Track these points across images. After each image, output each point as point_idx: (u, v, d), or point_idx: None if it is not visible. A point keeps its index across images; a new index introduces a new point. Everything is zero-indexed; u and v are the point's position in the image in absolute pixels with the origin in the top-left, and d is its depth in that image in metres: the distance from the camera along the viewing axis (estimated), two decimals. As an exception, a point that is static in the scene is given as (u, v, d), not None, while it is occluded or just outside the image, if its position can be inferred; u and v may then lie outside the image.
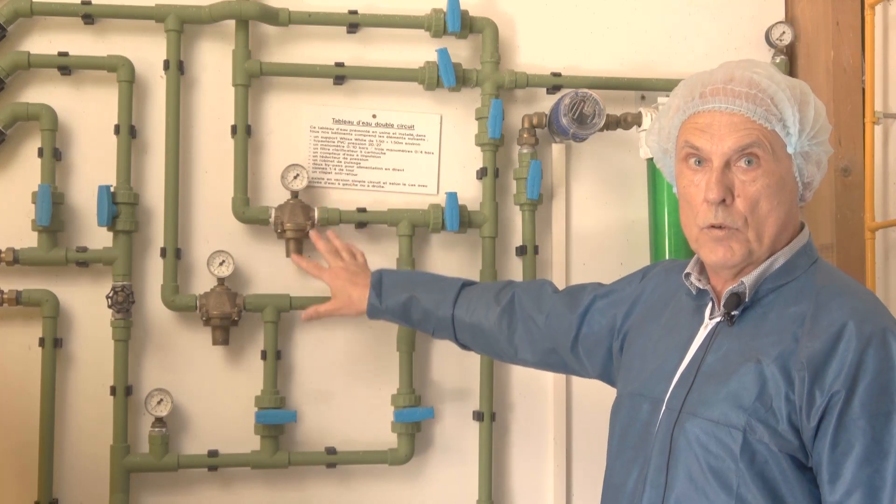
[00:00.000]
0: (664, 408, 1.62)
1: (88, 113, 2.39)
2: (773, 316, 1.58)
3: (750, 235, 1.58)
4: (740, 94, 1.58)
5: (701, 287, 1.67)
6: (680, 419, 1.58)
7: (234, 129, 2.40)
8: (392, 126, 2.50)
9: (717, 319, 1.63)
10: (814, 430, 1.46)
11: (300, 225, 2.36)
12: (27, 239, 2.32)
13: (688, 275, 1.69)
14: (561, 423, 2.52)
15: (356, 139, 2.49)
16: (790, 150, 1.60)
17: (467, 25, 2.48)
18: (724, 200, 1.56)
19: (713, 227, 1.58)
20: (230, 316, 2.33)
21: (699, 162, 1.60)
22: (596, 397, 2.46)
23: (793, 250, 1.62)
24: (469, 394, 2.48)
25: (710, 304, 1.67)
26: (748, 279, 1.59)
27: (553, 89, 2.54)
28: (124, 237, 2.34)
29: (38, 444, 2.29)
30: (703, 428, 1.54)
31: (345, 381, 2.45)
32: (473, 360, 2.44)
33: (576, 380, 2.52)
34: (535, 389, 2.53)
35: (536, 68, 2.54)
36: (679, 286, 1.73)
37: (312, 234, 2.30)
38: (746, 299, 1.59)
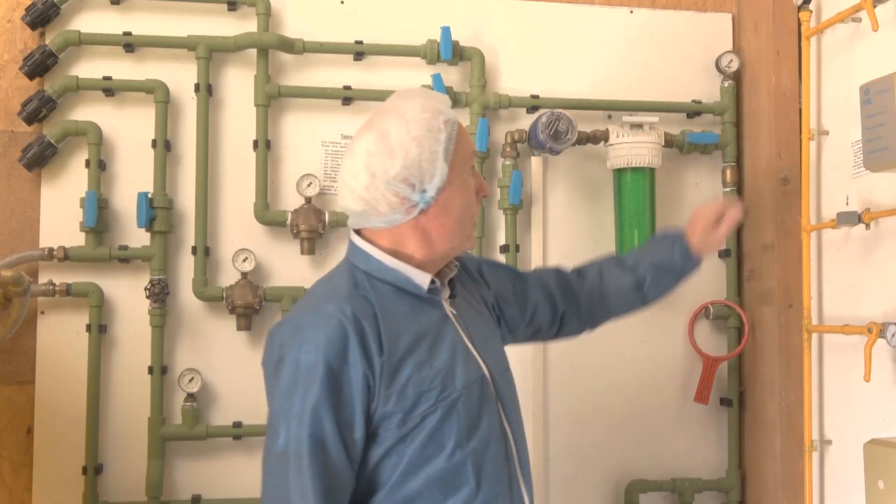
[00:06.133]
0: (488, 375, 1.65)
1: (129, 129, 2.43)
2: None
3: None
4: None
5: (439, 286, 1.65)
6: (494, 381, 1.66)
7: (255, 144, 2.44)
8: (393, 141, 2.51)
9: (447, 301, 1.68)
10: None
11: (313, 227, 2.40)
12: (76, 238, 2.36)
13: (433, 282, 1.63)
14: (539, 394, 2.53)
15: (361, 152, 2.50)
16: None
17: (458, 54, 2.52)
18: None
19: None
20: (252, 305, 2.37)
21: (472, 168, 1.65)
22: (568, 371, 2.52)
23: None
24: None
25: (438, 295, 1.65)
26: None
27: (532, 109, 2.57)
28: (160, 237, 2.38)
29: (85, 417, 2.33)
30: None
31: (352, 362, 2.46)
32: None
33: (552, 358, 2.56)
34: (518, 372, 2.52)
35: (518, 91, 2.58)
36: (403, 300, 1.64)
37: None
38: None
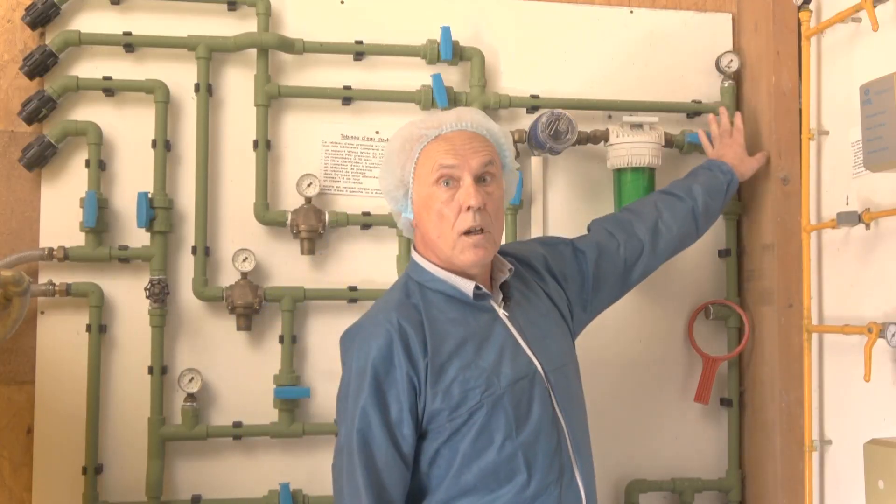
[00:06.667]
0: (541, 370, 1.79)
1: (129, 129, 2.43)
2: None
3: (496, 238, 1.78)
4: (473, 122, 1.78)
5: (486, 292, 1.80)
6: (547, 377, 1.79)
7: (255, 144, 2.44)
8: (393, 141, 2.52)
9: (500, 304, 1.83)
10: None
11: (313, 227, 2.41)
12: (76, 238, 2.36)
13: (478, 289, 1.78)
14: None
15: (361, 152, 2.52)
16: (505, 168, 1.85)
17: (458, 54, 2.52)
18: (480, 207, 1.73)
19: (471, 231, 1.72)
20: (252, 305, 2.37)
21: (448, 182, 1.73)
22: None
23: None
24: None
25: (487, 300, 1.81)
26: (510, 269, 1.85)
27: (532, 109, 2.57)
28: (160, 237, 2.38)
29: (85, 416, 2.33)
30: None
31: (352, 362, 2.47)
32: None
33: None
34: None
35: (517, 91, 2.57)
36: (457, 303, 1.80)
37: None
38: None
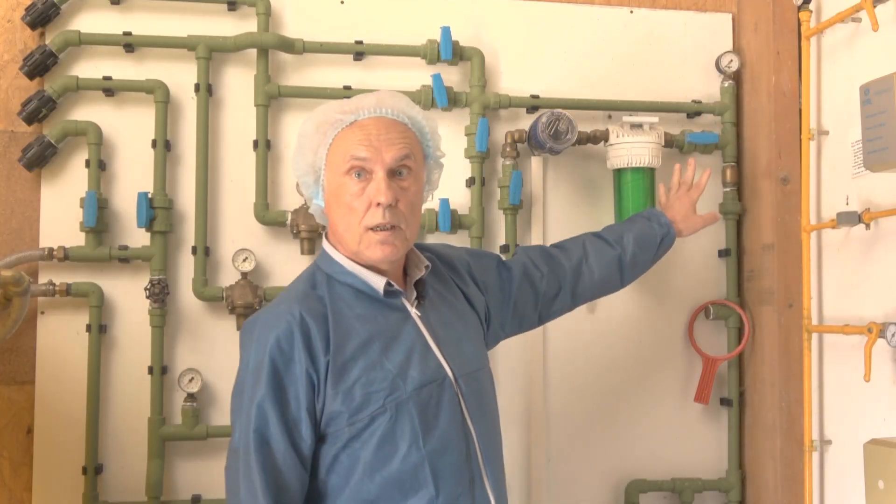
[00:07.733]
0: (451, 375, 1.68)
1: (129, 129, 2.43)
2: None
3: (408, 234, 1.66)
4: (394, 109, 1.66)
5: (398, 289, 1.69)
6: (458, 382, 1.68)
7: (255, 143, 2.44)
8: (392, 141, 2.52)
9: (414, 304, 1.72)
10: None
11: (313, 227, 2.41)
12: (76, 238, 2.36)
13: (390, 286, 1.68)
14: (538, 394, 2.53)
15: (361, 152, 2.50)
16: (428, 159, 1.73)
17: (458, 54, 2.52)
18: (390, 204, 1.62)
19: (379, 227, 1.61)
20: (252, 305, 2.37)
21: (360, 174, 1.63)
22: (568, 371, 2.51)
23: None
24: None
25: (399, 298, 1.70)
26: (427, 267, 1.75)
27: (532, 109, 2.57)
28: (160, 237, 2.38)
29: (85, 416, 2.33)
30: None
31: (352, 362, 2.46)
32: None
33: (552, 358, 2.55)
34: (519, 372, 2.55)
35: (517, 91, 2.58)
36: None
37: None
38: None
